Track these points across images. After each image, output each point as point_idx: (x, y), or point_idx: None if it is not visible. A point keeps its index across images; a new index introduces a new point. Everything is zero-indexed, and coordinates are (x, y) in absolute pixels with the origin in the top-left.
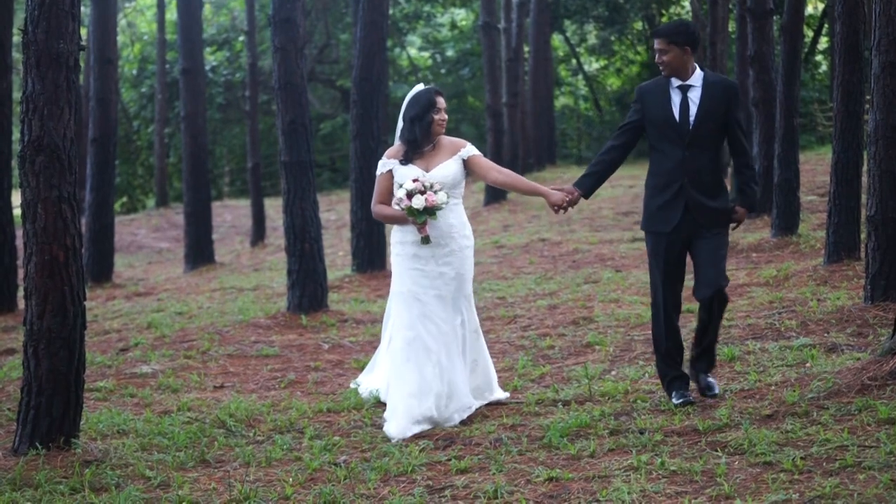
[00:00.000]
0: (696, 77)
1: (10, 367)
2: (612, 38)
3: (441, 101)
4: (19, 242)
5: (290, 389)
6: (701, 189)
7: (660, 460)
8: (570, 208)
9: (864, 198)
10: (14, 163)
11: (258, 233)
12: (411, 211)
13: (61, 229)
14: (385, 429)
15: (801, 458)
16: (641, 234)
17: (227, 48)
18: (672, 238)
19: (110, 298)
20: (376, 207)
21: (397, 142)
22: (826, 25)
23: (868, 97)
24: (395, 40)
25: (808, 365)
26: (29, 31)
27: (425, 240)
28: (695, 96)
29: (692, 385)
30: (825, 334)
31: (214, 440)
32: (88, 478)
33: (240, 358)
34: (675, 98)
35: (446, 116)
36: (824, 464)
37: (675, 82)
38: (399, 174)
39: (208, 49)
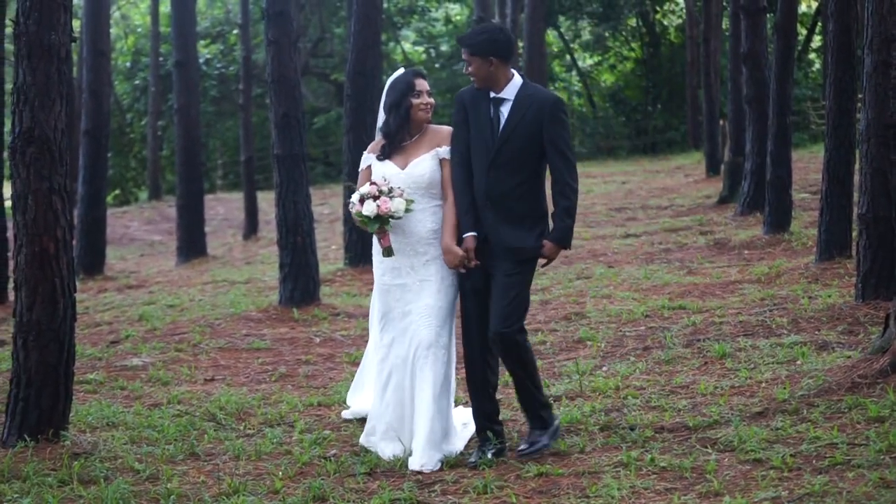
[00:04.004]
0: (510, 89)
1: (1, 358)
2: (606, 34)
3: (422, 84)
4: (10, 234)
5: (280, 383)
6: (504, 219)
7: (650, 457)
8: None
9: (855, 196)
10: (5, 154)
11: (251, 226)
12: (361, 217)
13: (52, 221)
14: (380, 451)
15: (791, 455)
16: (634, 230)
17: (221, 41)
18: (474, 269)
19: (102, 290)
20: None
21: (378, 134)
22: (819, 24)
23: (860, 95)
24: (390, 35)
25: (798, 362)
26: (20, 22)
27: (387, 251)
28: (505, 110)
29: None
30: (816, 332)
31: (204, 433)
32: (77, 470)
33: (231, 351)
34: (489, 111)
35: (431, 101)
36: (814, 461)
37: (490, 94)
38: (376, 171)
39: (202, 42)
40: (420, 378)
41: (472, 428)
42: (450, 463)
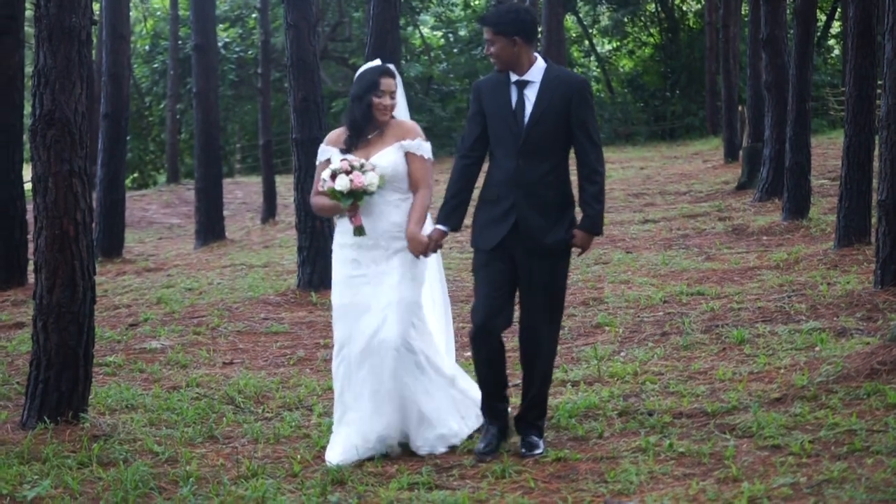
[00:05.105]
0: (535, 71)
1: (20, 341)
2: (625, 19)
3: (387, 83)
4: (30, 217)
5: (299, 366)
6: (535, 207)
7: (668, 442)
8: (435, 250)
9: (875, 182)
10: (25, 137)
11: (269, 210)
12: (334, 193)
13: (72, 203)
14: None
15: (810, 441)
16: (652, 215)
17: (239, 25)
18: (495, 256)
19: (120, 273)
20: (313, 199)
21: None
22: (839, 9)
23: (880, 82)
24: (408, 19)
25: (817, 349)
26: (41, 4)
27: (358, 230)
28: (531, 93)
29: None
30: (835, 318)
31: (223, 416)
32: (96, 452)
33: (249, 334)
34: (513, 96)
35: (392, 102)
36: (832, 448)
37: (513, 77)
38: (335, 164)
39: (221, 25)
40: (394, 381)
41: (477, 420)
42: (467, 448)
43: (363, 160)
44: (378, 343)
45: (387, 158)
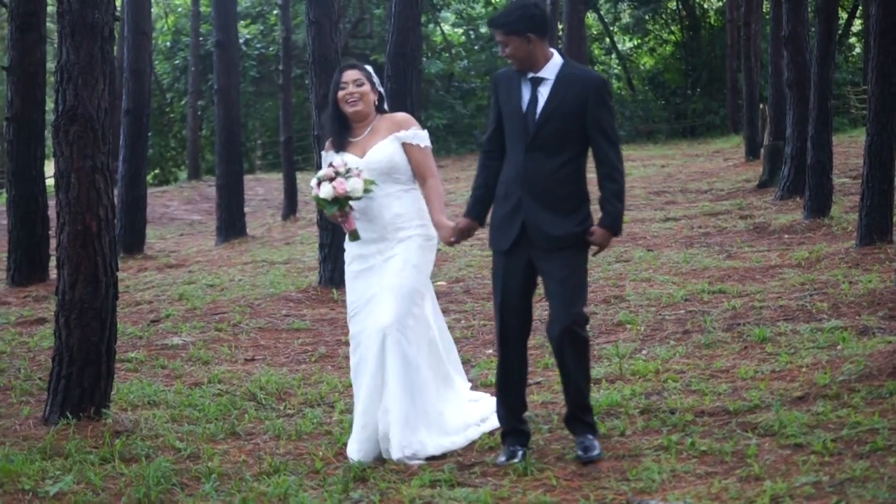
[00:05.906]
0: (550, 68)
1: (41, 336)
2: (646, 17)
3: (349, 75)
4: (52, 212)
5: (320, 363)
6: (543, 204)
7: (690, 440)
8: (465, 238)
9: None
10: (47, 132)
11: (290, 206)
12: (318, 201)
13: (94, 199)
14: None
15: (832, 440)
16: (674, 213)
17: (261, 21)
18: (510, 259)
19: (142, 270)
20: None
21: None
22: (860, 7)
23: None
24: (429, 16)
25: (839, 347)
26: (64, 0)
27: (353, 235)
28: (545, 90)
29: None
30: (857, 317)
31: (245, 413)
32: (118, 448)
33: (271, 331)
34: (525, 92)
35: (359, 90)
36: (855, 446)
37: (528, 73)
38: (336, 163)
39: (242, 22)
40: (386, 364)
41: (489, 424)
42: (488, 445)
43: (350, 166)
44: (381, 332)
45: (382, 151)
